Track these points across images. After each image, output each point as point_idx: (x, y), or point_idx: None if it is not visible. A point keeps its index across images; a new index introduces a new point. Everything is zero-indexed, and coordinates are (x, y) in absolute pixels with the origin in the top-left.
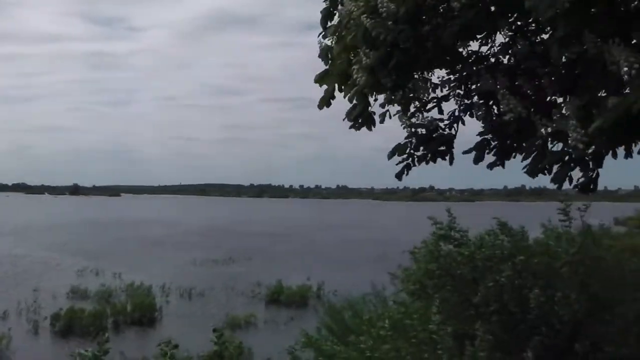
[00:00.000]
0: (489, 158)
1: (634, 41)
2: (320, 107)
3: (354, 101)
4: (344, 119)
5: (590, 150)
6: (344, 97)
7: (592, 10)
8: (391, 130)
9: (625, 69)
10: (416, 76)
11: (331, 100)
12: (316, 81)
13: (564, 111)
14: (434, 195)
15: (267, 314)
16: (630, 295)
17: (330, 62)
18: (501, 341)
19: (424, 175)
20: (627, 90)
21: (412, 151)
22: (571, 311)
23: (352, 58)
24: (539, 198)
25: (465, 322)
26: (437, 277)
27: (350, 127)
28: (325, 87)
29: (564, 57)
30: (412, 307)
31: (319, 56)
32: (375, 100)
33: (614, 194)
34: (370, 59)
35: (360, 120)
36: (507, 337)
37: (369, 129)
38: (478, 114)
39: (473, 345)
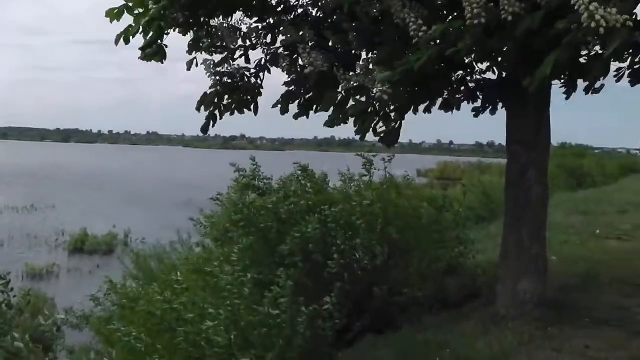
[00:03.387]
0: (295, 108)
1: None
2: (116, 42)
3: (148, 30)
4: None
5: (392, 104)
6: (141, 33)
7: None
8: (202, 78)
9: (413, 31)
10: (224, 24)
11: (130, 37)
12: (107, 15)
13: (371, 66)
14: (244, 144)
15: (70, 263)
16: (425, 240)
17: None
18: (302, 287)
19: (235, 123)
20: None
21: (217, 101)
22: (371, 257)
23: None
24: (347, 149)
25: (267, 269)
26: (241, 228)
27: (140, 58)
28: (116, 22)
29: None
30: (216, 252)
31: None
32: (167, 33)
33: (418, 147)
34: None
35: (149, 51)
36: (308, 283)
37: (160, 61)
38: (283, 64)
39: (271, 292)
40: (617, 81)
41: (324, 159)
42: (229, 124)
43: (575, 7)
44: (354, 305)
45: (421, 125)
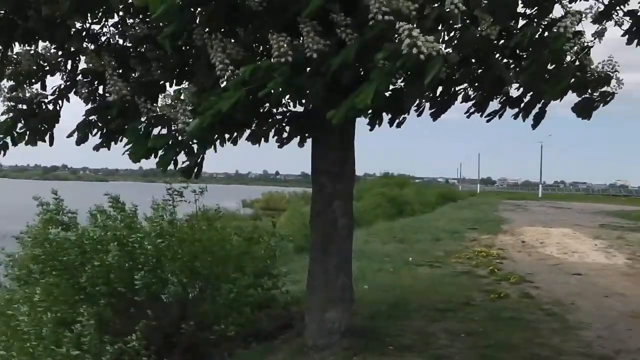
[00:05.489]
0: (96, 140)
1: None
2: None
3: None
4: None
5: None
6: None
7: (200, 8)
8: None
9: (220, 71)
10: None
11: None
12: None
13: (182, 97)
14: (67, 174)
15: None
16: (233, 272)
17: None
18: (108, 324)
19: (56, 153)
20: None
21: (11, 129)
22: (179, 292)
23: None
24: (173, 179)
25: (72, 307)
26: (42, 263)
27: None
28: None
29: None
30: (19, 293)
31: None
32: None
33: (244, 178)
34: None
35: None
36: (114, 320)
37: None
38: (82, 92)
39: (72, 332)
40: (418, 115)
41: (149, 189)
42: (50, 154)
43: (399, 34)
44: (164, 341)
45: (247, 156)
